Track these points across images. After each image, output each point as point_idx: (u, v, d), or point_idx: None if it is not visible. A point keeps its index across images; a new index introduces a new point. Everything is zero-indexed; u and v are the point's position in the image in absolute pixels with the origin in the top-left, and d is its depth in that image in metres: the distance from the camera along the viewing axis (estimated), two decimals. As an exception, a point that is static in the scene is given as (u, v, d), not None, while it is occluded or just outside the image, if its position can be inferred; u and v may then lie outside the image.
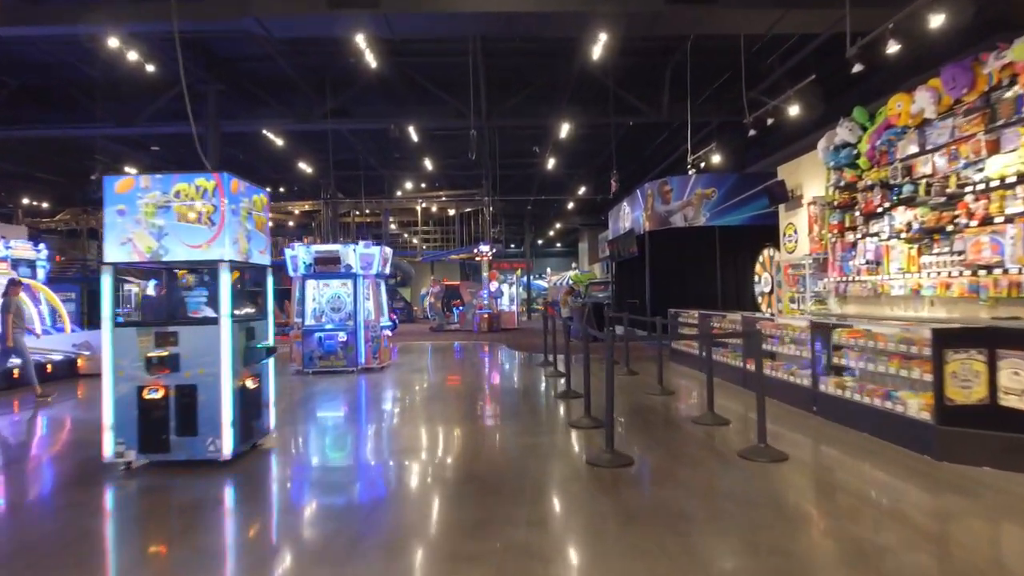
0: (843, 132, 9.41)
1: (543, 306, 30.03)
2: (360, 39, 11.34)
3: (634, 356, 11.41)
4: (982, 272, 6.79)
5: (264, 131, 17.20)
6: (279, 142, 18.57)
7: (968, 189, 6.99)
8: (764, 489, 4.49)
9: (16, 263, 13.69)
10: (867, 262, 8.91)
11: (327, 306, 11.72)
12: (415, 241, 36.38)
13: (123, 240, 5.22)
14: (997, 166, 6.60)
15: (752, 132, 11.85)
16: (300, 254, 11.71)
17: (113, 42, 11.01)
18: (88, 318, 20.71)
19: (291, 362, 11.58)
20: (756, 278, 14.07)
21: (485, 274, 23.71)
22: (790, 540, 3.59)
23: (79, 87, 15.16)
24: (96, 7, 10.35)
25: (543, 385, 9.83)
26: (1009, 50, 6.36)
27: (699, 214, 15.65)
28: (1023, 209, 6.31)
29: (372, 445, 6.27)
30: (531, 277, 37.71)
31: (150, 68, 12.03)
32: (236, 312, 5.38)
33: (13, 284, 9.55)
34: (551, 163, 22.04)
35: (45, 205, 28.80)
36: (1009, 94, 6.50)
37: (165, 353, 5.13)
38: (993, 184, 6.63)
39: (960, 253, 7.20)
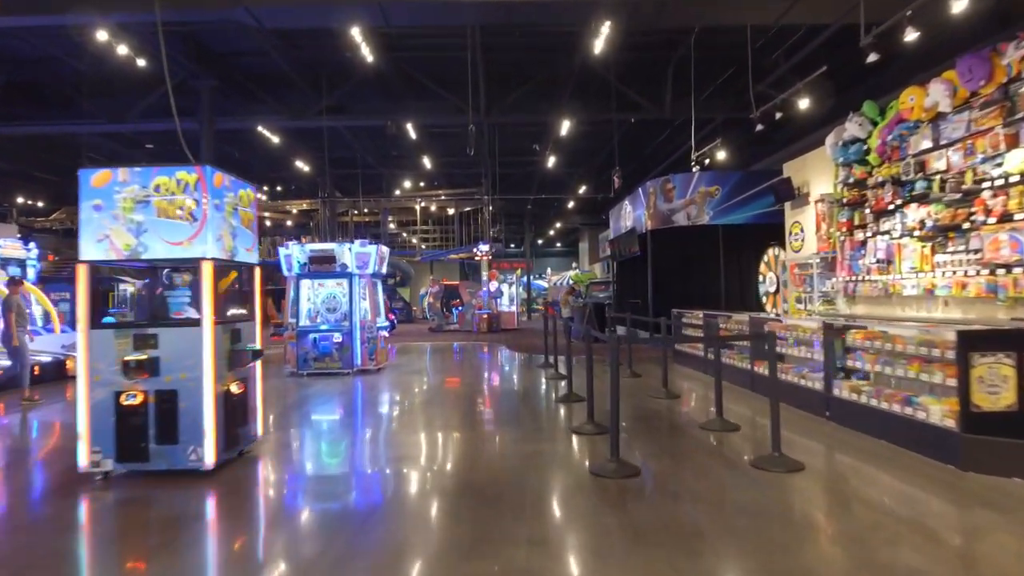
0: (852, 127, 9.13)
1: (543, 306, 29.76)
2: (356, 32, 11.04)
3: (636, 358, 11.13)
4: (1000, 271, 6.52)
5: (259, 128, 16.90)
6: (275, 139, 18.27)
7: (985, 185, 6.71)
8: (781, 503, 4.21)
9: (5, 262, 13.38)
10: (878, 261, 8.65)
11: (322, 306, 11.44)
12: (414, 240, 36.12)
13: (100, 237, 4.93)
14: (1016, 161, 6.32)
15: (760, 127, 11.54)
16: (294, 253, 11.42)
17: (102, 35, 10.72)
18: None
19: (286, 364, 11.29)
20: (760, 278, 13.79)
21: (485, 274, 23.42)
22: (813, 561, 3.31)
23: (70, 83, 14.86)
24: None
25: (544, 388, 9.55)
26: (1031, 39, 6.08)
27: (702, 212, 15.36)
28: (1046, 205, 6.02)
29: (365, 452, 5.98)
30: (531, 277, 37.42)
31: (141, 63, 11.72)
32: (222, 313, 5.10)
33: (14, 282, 9.30)
34: (551, 161, 21.75)
35: (40, 204, 28.55)
36: (1030, 85, 6.22)
37: (144, 357, 4.84)
38: (1013, 179, 6.35)
39: (977, 251, 6.94)
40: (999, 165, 6.57)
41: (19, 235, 16.53)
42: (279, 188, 29.83)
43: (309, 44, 13.59)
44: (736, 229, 15.20)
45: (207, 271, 4.92)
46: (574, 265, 39.83)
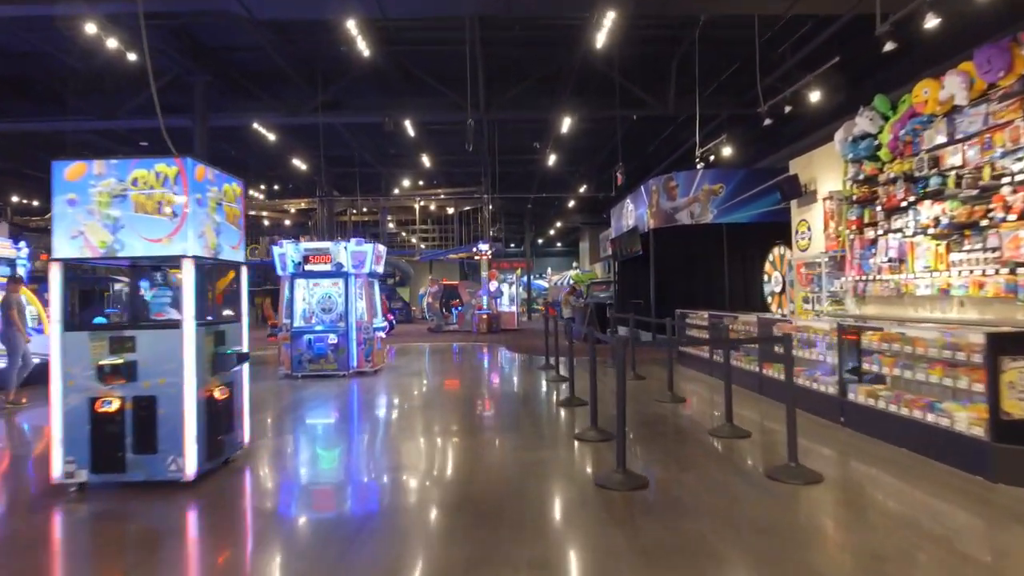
0: (863, 122, 8.87)
1: (543, 306, 29.46)
2: (351, 25, 10.74)
3: (639, 359, 10.84)
4: (1021, 270, 6.25)
5: (255, 125, 16.59)
6: (271, 137, 17.99)
7: (1005, 180, 6.44)
8: (801, 519, 3.92)
9: (-6, 261, 13.09)
10: (889, 260, 8.39)
11: (317, 307, 11.14)
12: (413, 240, 35.84)
13: (74, 233, 4.64)
14: (1039, 155, 6.04)
15: (768, 121, 11.23)
16: (288, 252, 11.12)
17: (91, 27, 10.43)
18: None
19: (280, 366, 11.00)
20: (766, 277, 13.51)
21: (484, 274, 23.10)
22: (841, 587, 3.02)
23: (61, 78, 14.56)
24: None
25: (544, 390, 9.26)
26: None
27: (706, 211, 15.07)
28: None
29: (357, 463, 5.68)
30: (531, 277, 37.13)
31: (132, 57, 11.41)
32: (206, 314, 4.82)
33: (14, 281, 9.03)
34: (552, 159, 21.46)
35: (36, 203, 28.25)
36: (1054, 76, 5.94)
37: (120, 361, 4.54)
38: (1034, 175, 6.07)
39: (995, 250, 6.68)
40: (1020, 160, 6.30)
41: (10, 234, 16.25)
42: (276, 187, 29.53)
43: (304, 38, 13.30)
44: (740, 228, 14.92)
45: (188, 270, 4.63)
46: (574, 265, 39.55)
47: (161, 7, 10.24)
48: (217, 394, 4.96)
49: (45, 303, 14.12)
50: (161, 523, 4.12)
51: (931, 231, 7.58)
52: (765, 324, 8.50)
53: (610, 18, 10.46)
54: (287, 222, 34.28)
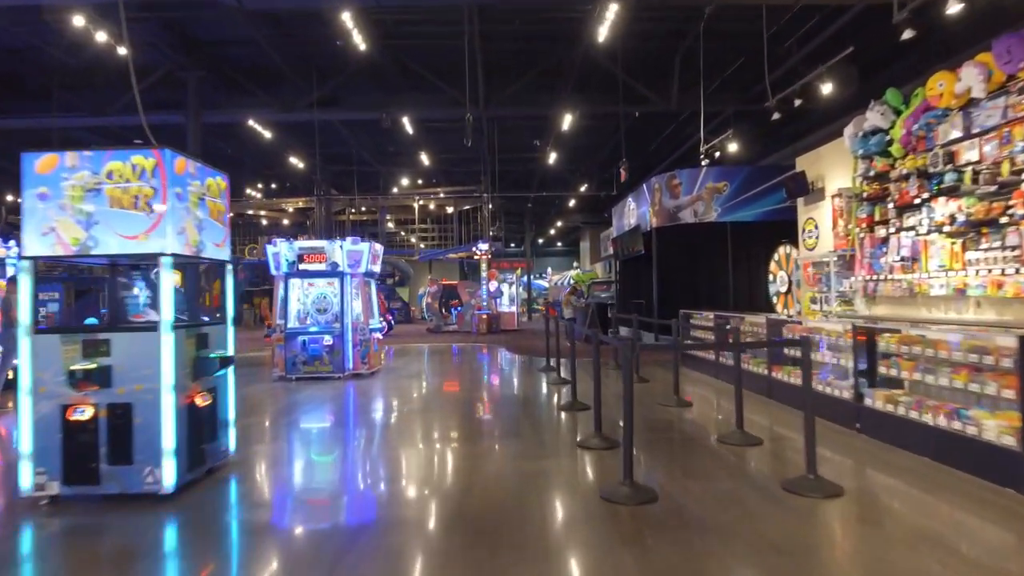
0: (873, 117, 8.60)
1: (544, 307, 29.18)
2: (346, 17, 10.45)
3: (641, 360, 10.56)
4: (1044, 269, 5.98)
5: (251, 122, 16.29)
6: (267, 134, 17.68)
7: (1026, 176, 6.16)
8: (824, 537, 3.64)
9: (-18, 260, 12.82)
10: (901, 259, 8.13)
11: (312, 307, 10.86)
12: (413, 240, 35.55)
13: (45, 230, 4.36)
14: (1064, 148, 5.76)
15: (776, 115, 10.94)
16: (282, 251, 10.83)
17: (79, 20, 10.14)
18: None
19: (274, 368, 10.70)
20: (771, 277, 13.24)
21: (484, 273, 22.81)
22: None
23: (52, 75, 14.25)
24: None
25: (545, 393, 8.97)
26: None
27: (710, 209, 14.79)
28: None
29: (347, 473, 5.38)
30: (531, 277, 36.84)
31: (122, 51, 11.11)
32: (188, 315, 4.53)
33: (13, 281, 8.77)
34: (552, 158, 21.17)
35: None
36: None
37: (93, 365, 4.25)
38: (1059, 169, 5.79)
39: (1015, 248, 6.42)
40: (1043, 154, 6.03)
41: (1, 233, 15.97)
42: (274, 185, 29.20)
43: (299, 32, 12.98)
44: (745, 226, 14.64)
45: (166, 268, 4.35)
46: (575, 264, 39.27)
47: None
48: (199, 400, 4.67)
49: (42, 303, 13.88)
50: (136, 539, 3.84)
51: (946, 229, 7.33)
52: (774, 325, 8.22)
53: (613, 10, 10.18)
54: (285, 221, 34.00)
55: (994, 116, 6.74)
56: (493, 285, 22.92)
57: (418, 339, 19.77)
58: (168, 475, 4.30)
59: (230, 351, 5.10)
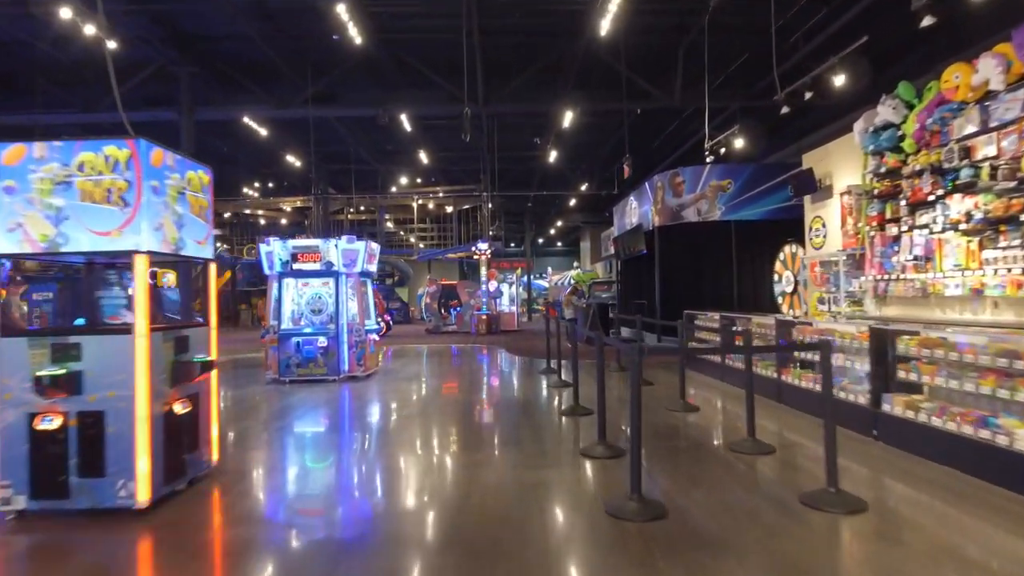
0: (885, 111, 8.32)
1: (544, 307, 28.89)
2: (342, 9, 10.16)
3: (644, 362, 10.21)
4: (1068, 269, 5.70)
5: (246, 119, 15.99)
6: (263, 132, 17.37)
7: (1049, 171, 5.88)
8: (849, 558, 3.36)
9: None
10: (914, 258, 7.85)
11: (306, 308, 10.57)
12: (412, 239, 35.26)
13: (11, 226, 4.07)
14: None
15: (785, 110, 10.64)
16: (276, 250, 10.53)
17: (66, 12, 9.86)
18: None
19: (267, 370, 10.41)
20: (776, 277, 12.96)
21: (484, 273, 22.52)
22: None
23: (40, 71, 13.96)
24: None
25: (546, 397, 8.68)
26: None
27: (714, 208, 14.49)
28: None
29: (337, 486, 5.06)
30: (531, 276, 36.55)
31: (112, 45, 10.82)
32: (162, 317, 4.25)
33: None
34: (552, 156, 20.87)
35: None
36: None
37: (62, 371, 3.97)
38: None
39: (1036, 246, 6.12)
40: (1067, 148, 5.75)
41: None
42: (271, 184, 28.91)
43: (294, 27, 12.69)
44: (750, 225, 14.35)
45: (141, 267, 4.06)
46: (575, 264, 38.99)
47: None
48: (178, 408, 4.38)
49: (36, 303, 13.59)
50: (107, 560, 3.56)
51: (962, 227, 7.06)
52: (783, 326, 7.94)
53: (615, 2, 9.90)
54: (283, 221, 33.70)
55: (1013, 109, 6.48)
56: (493, 285, 22.63)
57: (417, 340, 19.48)
58: (143, 489, 4.01)
59: (212, 355, 4.82)
